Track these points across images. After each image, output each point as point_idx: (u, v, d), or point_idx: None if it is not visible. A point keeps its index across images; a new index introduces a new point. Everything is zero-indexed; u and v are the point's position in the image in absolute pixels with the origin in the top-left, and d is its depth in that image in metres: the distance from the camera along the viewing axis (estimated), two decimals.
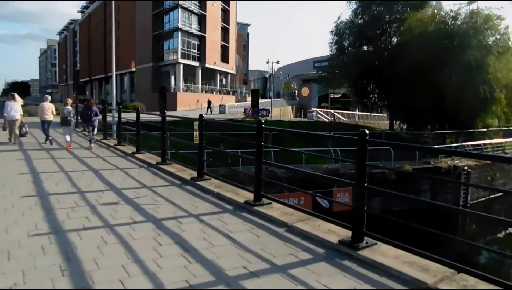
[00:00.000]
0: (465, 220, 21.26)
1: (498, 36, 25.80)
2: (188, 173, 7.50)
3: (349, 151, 19.36)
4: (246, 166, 16.31)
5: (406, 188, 20.62)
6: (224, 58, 62.45)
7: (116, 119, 13.35)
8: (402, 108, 28.19)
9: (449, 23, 27.16)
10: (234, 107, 44.87)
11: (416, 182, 20.86)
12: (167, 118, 8.72)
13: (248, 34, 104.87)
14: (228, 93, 62.96)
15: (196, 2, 54.29)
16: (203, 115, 7.08)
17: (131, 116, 13.78)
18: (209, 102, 41.94)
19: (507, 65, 25.09)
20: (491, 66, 24.15)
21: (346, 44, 34.17)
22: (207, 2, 55.17)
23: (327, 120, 41.23)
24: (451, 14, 27.42)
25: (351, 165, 20.65)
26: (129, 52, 58.25)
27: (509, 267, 13.65)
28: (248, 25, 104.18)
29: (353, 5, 33.40)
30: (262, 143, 5.29)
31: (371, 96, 35.77)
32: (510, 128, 28.91)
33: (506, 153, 25.68)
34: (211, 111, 40.39)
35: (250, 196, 5.60)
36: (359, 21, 32.55)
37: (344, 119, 43.58)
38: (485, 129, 26.52)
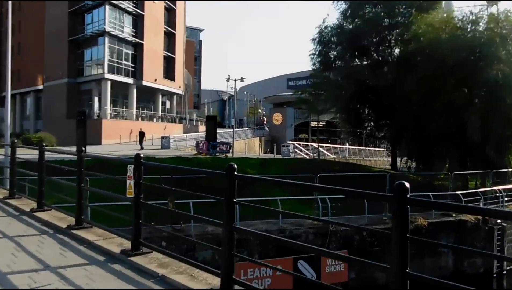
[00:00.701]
0: None
1: None
2: (117, 243, 6.66)
3: (340, 199, 19.03)
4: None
5: (423, 248, 20.35)
6: (169, 73, 62.17)
7: (10, 158, 12.23)
8: (410, 141, 28.37)
9: (468, 29, 27.99)
10: (182, 139, 44.14)
11: (435, 239, 20.57)
12: (88, 158, 7.94)
13: (200, 42, 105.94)
14: (173, 120, 62.23)
15: None
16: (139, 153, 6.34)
17: (34, 153, 13.07)
18: (141, 134, 40.21)
19: None
20: None
21: (332, 56, 34.69)
22: None
23: (308, 157, 41.12)
24: (471, 18, 28.18)
25: (347, 220, 20.26)
26: (35, 63, 56.75)
27: None
28: (201, 30, 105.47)
29: (342, 5, 34.19)
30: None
31: (366, 124, 36.13)
32: None
33: None
34: (141, 146, 38.70)
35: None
36: (350, 26, 33.22)
37: (331, 155, 43.69)
38: None
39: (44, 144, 10.05)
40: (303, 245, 4.84)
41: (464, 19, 28.53)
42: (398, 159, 34.61)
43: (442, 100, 25.19)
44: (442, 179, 26.82)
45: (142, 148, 37.12)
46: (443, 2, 33.00)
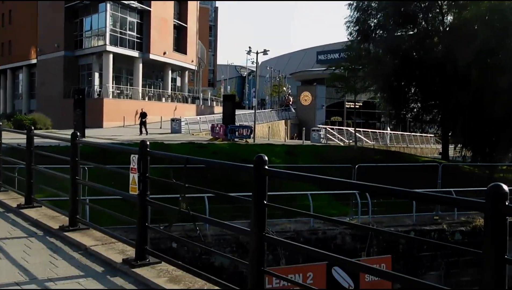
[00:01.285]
0: None
1: None
2: (118, 250, 6.26)
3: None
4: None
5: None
6: (180, 46, 61.75)
7: None
8: (466, 125, 27.57)
9: None
10: (195, 122, 43.80)
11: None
12: (85, 144, 7.60)
13: (216, 9, 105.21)
14: (185, 100, 61.97)
15: None
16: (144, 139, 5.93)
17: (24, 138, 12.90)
18: (143, 115, 37.76)
19: None
20: None
21: (373, 24, 33.95)
22: None
23: (342, 144, 40.58)
24: None
25: (390, 220, 19.76)
26: (28, 33, 56.91)
27: None
28: None
29: None
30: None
31: (412, 105, 35.38)
32: None
33: None
34: (145, 130, 36.73)
35: None
36: None
37: (370, 142, 43.06)
38: None
39: (33, 128, 9.69)
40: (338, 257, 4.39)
41: None
42: (451, 146, 33.86)
43: (508, 76, 24.34)
44: (504, 171, 26.10)
45: (142, 133, 35.70)
46: None
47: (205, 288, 4.97)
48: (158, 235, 13.95)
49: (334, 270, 17.83)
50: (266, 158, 4.23)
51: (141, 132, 35.91)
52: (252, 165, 4.26)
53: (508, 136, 26.40)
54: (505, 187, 2.79)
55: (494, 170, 26.61)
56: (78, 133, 7.78)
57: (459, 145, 32.43)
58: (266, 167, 4.22)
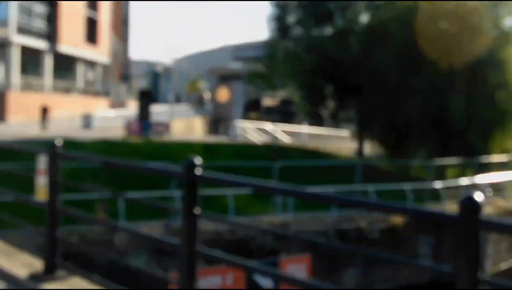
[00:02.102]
0: None
1: None
2: (24, 262, 5.57)
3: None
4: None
5: (399, 250, 20.12)
6: (92, 38, 59.62)
7: None
8: (382, 124, 28.11)
9: None
10: (108, 118, 42.35)
11: (411, 241, 20.45)
12: None
13: (128, 2, 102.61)
14: (97, 94, 59.91)
15: None
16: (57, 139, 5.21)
17: None
18: (45, 110, 36.42)
19: None
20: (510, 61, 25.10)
21: (291, 22, 33.90)
22: None
23: (260, 141, 40.32)
24: None
25: (309, 219, 19.71)
26: None
27: None
28: None
29: None
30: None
31: (329, 104, 35.71)
32: None
33: None
34: (43, 125, 35.18)
35: None
36: None
37: (288, 139, 43.03)
38: (506, 159, 27.35)
39: None
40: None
41: None
42: (366, 144, 34.42)
43: (420, 79, 25.03)
44: (417, 169, 26.81)
45: (44, 127, 34.10)
46: None
47: None
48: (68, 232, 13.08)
49: (255, 275, 17.57)
50: (199, 161, 3.77)
51: (44, 125, 34.24)
52: (181, 171, 3.77)
53: (420, 136, 27.04)
54: (479, 198, 2.46)
55: (408, 167, 27.27)
56: None
57: (374, 143, 33.13)
58: (198, 173, 3.75)
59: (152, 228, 16.24)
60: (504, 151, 27.66)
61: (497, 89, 25.38)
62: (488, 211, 22.92)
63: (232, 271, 16.62)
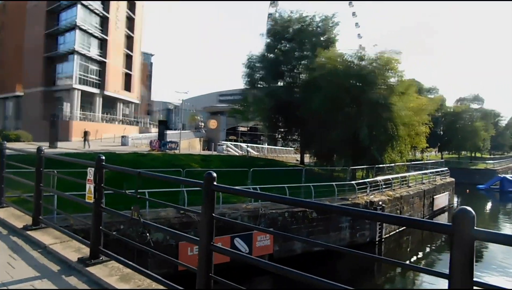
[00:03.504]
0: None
1: (397, 78, 27.20)
2: (74, 248, 4.62)
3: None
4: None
5: (329, 226, 19.59)
6: (127, 86, 58.00)
7: None
8: (316, 143, 27.72)
9: (356, 63, 27.86)
10: (138, 138, 40.88)
11: (336, 219, 19.86)
12: (47, 156, 5.80)
13: (151, 64, 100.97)
14: (131, 123, 58.12)
15: (97, 25, 49.65)
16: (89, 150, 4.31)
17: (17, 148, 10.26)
18: (86, 133, 31.50)
19: (407, 104, 26.33)
20: (395, 104, 25.05)
21: (257, 77, 33.46)
22: (109, 26, 50.88)
23: (237, 154, 39.65)
24: (358, 54, 28.28)
25: (271, 204, 18.99)
26: (15, 73, 50.47)
27: None
28: (152, 55, 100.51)
29: (267, 40, 33.16)
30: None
31: (281, 130, 35.36)
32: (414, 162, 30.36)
33: (410, 187, 26.57)
34: (88, 144, 30.98)
35: None
36: (271, 55, 32.08)
37: (255, 153, 42.45)
38: (393, 164, 27.29)
39: (18, 140, 7.58)
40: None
41: (353, 55, 28.57)
42: (306, 156, 34.07)
43: (341, 114, 24.86)
44: (339, 172, 26.45)
45: (88, 146, 30.35)
46: (337, 43, 32.68)
47: (153, 287, 3.56)
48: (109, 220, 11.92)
49: (236, 240, 16.73)
50: (215, 175, 2.95)
51: (85, 145, 30.74)
52: (202, 182, 2.96)
53: (341, 150, 26.69)
54: (471, 211, 1.79)
55: (333, 171, 26.88)
56: (44, 148, 5.93)
57: (311, 155, 32.80)
58: (215, 183, 2.94)
59: (168, 212, 15.28)
60: (391, 161, 27.56)
61: (387, 121, 25.26)
62: (382, 198, 22.69)
63: (220, 240, 15.75)
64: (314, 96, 25.70)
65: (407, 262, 20.00)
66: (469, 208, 1.80)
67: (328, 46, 29.92)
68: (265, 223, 17.66)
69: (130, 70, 58.62)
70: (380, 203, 22.01)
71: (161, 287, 3.45)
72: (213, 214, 2.90)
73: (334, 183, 20.17)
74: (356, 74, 26.46)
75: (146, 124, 65.70)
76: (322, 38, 31.09)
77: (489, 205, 40.43)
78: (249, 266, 2.83)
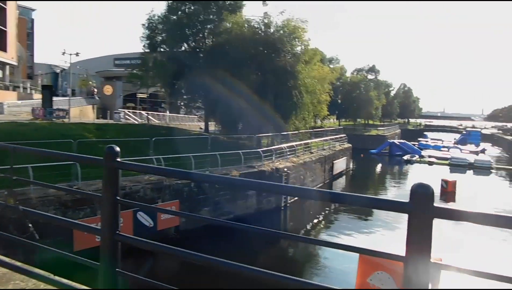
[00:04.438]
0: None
1: (303, 47, 27.95)
2: None
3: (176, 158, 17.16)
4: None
5: (236, 194, 19.78)
6: (1, 45, 50.31)
7: None
8: (221, 111, 27.41)
9: (262, 29, 27.84)
10: (16, 106, 36.02)
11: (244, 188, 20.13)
12: None
13: (33, 20, 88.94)
14: (6, 88, 50.86)
15: None
16: None
17: None
18: None
19: (311, 73, 27.37)
20: (300, 72, 25.80)
21: (159, 40, 31.54)
22: None
23: (137, 122, 37.60)
24: (265, 21, 28.23)
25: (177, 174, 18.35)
26: None
27: None
28: (33, 10, 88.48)
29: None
30: None
31: (185, 97, 34.24)
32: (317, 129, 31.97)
33: (312, 153, 28.16)
34: None
35: None
36: (174, 17, 30.29)
37: (156, 121, 40.72)
38: (297, 132, 28.43)
39: None
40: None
41: (260, 21, 28.48)
42: (211, 124, 33.66)
43: (246, 81, 24.75)
44: (244, 140, 26.71)
45: None
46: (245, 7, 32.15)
47: (41, 287, 2.94)
48: None
49: (139, 214, 15.96)
50: (118, 149, 2.44)
51: None
52: (101, 158, 2.43)
53: (246, 118, 26.78)
54: (430, 187, 1.65)
55: (239, 139, 27.03)
56: None
57: (216, 123, 32.49)
58: (119, 159, 2.43)
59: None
60: (296, 128, 28.71)
61: (293, 89, 26.00)
62: (287, 165, 23.69)
63: (122, 216, 14.79)
64: (219, 62, 25.14)
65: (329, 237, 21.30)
66: (427, 183, 1.64)
67: (235, 11, 29.33)
68: (170, 194, 17.13)
69: (4, 26, 50.73)
70: (285, 169, 22.95)
71: (51, 287, 2.86)
72: (118, 197, 2.40)
73: (240, 151, 20.33)
74: (263, 41, 26.53)
75: (27, 89, 58.22)
76: (228, 2, 30.24)
77: (379, 168, 45.25)
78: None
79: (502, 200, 26.73)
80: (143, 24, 30.81)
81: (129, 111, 42.03)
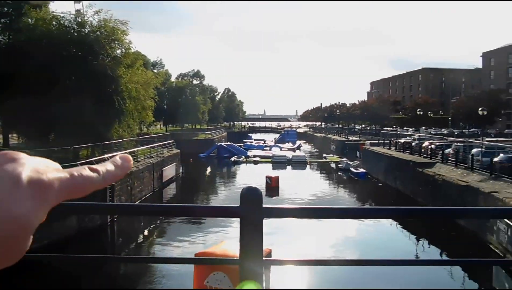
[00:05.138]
0: None
1: (123, 50, 26.85)
2: None
3: None
4: None
5: (49, 216, 17.43)
6: None
7: None
8: (25, 122, 23.83)
9: (75, 29, 25.67)
10: None
11: None
12: None
13: None
14: None
15: None
16: None
17: None
18: None
19: (134, 78, 26.50)
20: (123, 77, 24.74)
21: None
22: None
23: None
24: (78, 20, 26.12)
25: None
26: None
27: None
28: None
29: None
30: None
31: None
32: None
33: (139, 161, 27.17)
34: None
35: None
36: None
37: None
38: (121, 140, 27.03)
39: None
40: None
41: (72, 20, 26.18)
42: (13, 136, 28.96)
43: (59, 86, 22.22)
44: (58, 152, 23.84)
45: None
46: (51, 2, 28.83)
47: None
48: None
49: None
50: None
51: None
52: None
53: (62, 129, 24.00)
54: (258, 189, 1.76)
55: (52, 152, 23.95)
56: None
57: (20, 136, 28.12)
58: None
59: None
60: (120, 136, 27.39)
61: (114, 94, 24.71)
62: None
63: None
64: (22, 64, 21.82)
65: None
66: (255, 187, 1.75)
67: (39, 5, 25.98)
68: None
69: None
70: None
71: None
72: None
73: (94, 160, 18.24)
74: (77, 42, 24.57)
75: None
76: None
77: (208, 171, 47.09)
78: None
79: (316, 189, 31.18)
80: None
81: None
